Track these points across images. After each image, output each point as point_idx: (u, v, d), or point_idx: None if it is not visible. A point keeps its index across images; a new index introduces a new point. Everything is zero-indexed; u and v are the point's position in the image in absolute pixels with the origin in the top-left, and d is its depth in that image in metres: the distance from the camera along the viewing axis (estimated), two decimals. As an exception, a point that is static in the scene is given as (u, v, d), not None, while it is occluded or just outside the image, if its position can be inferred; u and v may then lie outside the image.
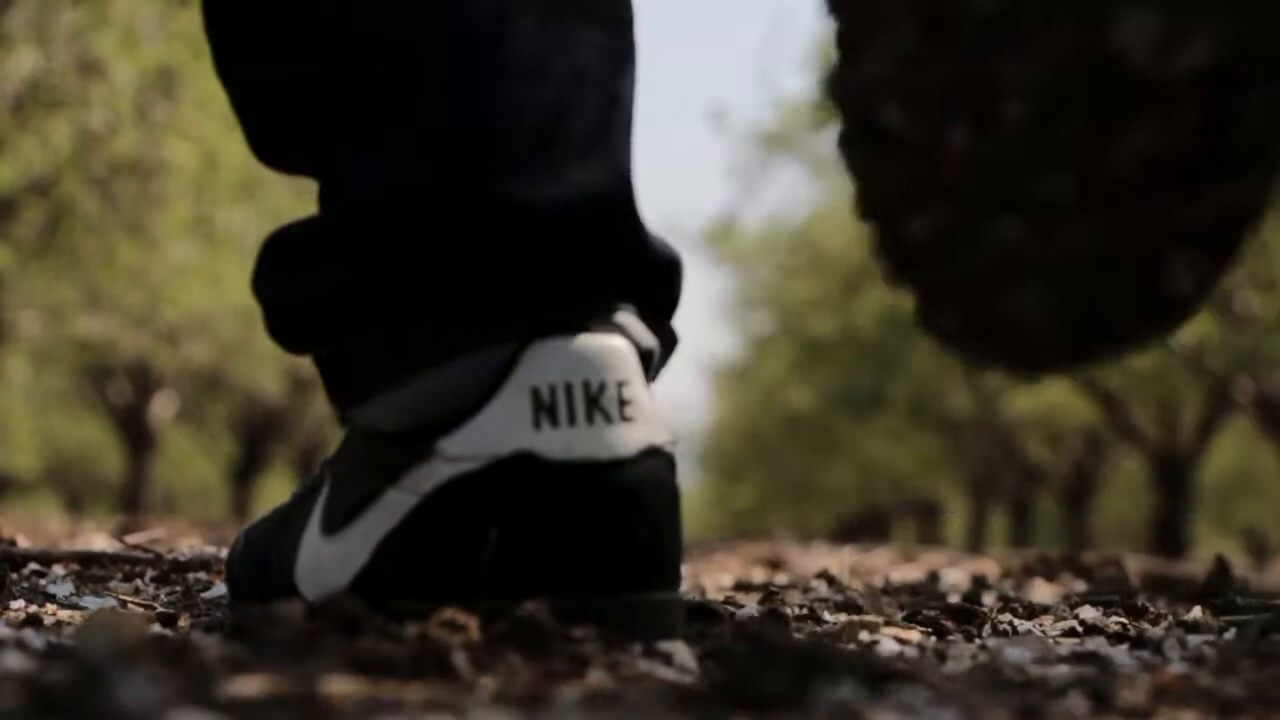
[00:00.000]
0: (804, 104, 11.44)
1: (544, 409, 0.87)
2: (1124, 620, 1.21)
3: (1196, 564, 4.08)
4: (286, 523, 0.99)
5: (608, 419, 0.88)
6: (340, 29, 0.94)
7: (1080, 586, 1.86)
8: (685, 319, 1.71)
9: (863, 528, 17.27)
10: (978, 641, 1.05)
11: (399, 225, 0.92)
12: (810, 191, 14.31)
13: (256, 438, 13.17)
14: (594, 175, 0.93)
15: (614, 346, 0.89)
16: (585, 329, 0.89)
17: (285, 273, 0.97)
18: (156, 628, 0.96)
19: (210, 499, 18.53)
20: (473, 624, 0.81)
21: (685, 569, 1.02)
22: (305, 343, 0.97)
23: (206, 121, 5.48)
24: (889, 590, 1.64)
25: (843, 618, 1.16)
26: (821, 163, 12.09)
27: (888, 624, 1.10)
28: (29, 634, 0.85)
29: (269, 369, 10.40)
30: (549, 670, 0.76)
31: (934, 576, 2.00)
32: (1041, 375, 0.76)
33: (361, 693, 0.67)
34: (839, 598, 1.34)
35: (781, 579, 1.89)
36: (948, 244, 0.72)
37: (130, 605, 1.11)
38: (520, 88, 0.92)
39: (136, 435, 10.60)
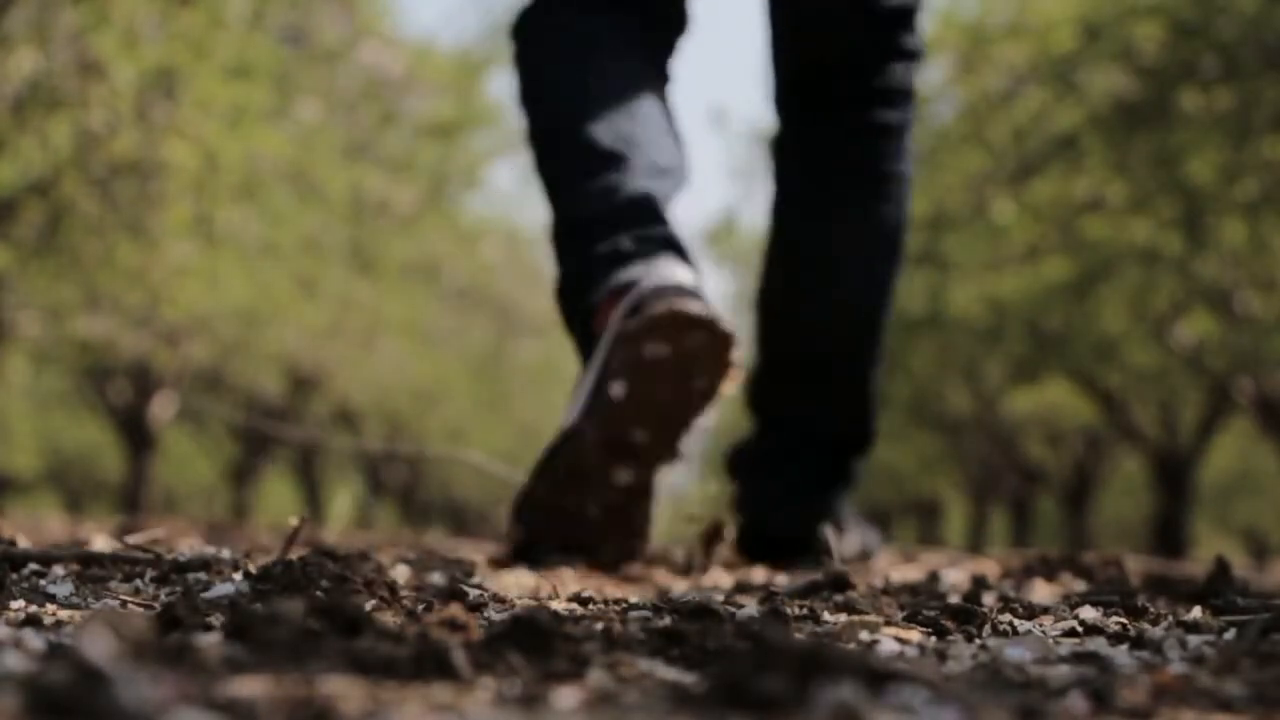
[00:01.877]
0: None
1: None
2: (1124, 620, 1.21)
3: (1196, 564, 4.08)
4: None
5: None
6: None
7: (1080, 586, 1.86)
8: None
9: (863, 528, 17.22)
10: (978, 641, 1.05)
11: None
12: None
13: (256, 438, 13.17)
14: None
15: None
16: None
17: None
18: (156, 628, 0.95)
19: (210, 499, 18.50)
20: (473, 624, 0.81)
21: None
22: None
23: (206, 121, 5.46)
24: (889, 590, 1.64)
25: (843, 618, 1.16)
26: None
27: (888, 624, 1.10)
28: (29, 634, 0.85)
29: (269, 369, 10.39)
30: (549, 670, 0.76)
31: (934, 576, 2.00)
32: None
33: (361, 693, 0.67)
34: (839, 598, 1.34)
35: (781, 579, 1.89)
36: None
37: (130, 605, 1.11)
38: None
39: (136, 435, 10.58)
